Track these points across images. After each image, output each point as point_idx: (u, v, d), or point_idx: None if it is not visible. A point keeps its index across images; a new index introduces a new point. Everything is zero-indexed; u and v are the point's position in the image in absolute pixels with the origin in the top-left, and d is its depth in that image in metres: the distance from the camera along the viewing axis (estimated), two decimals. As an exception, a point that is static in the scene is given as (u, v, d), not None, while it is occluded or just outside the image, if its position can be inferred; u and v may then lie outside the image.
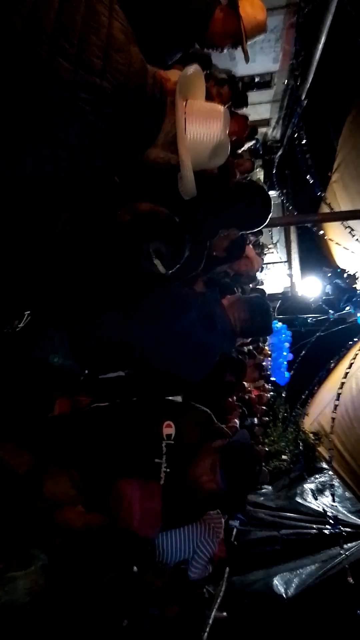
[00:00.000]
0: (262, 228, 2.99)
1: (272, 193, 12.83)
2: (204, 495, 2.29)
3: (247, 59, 2.66)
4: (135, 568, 2.33)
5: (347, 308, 8.69)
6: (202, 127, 1.66)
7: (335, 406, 7.88)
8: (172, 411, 2.44)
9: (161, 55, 2.39)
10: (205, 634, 4.39)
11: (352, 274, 8.89)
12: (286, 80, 8.92)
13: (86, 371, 2.31)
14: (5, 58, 1.29)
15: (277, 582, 6.57)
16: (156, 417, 2.35)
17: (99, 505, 1.94)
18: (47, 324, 2.15)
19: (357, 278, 9.29)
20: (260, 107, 10.15)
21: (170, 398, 2.56)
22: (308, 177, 8.66)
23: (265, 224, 2.80)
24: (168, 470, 2.29)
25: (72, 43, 1.38)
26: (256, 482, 2.87)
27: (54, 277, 1.94)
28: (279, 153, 12.21)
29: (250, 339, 5.83)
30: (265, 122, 11.21)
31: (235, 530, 6.32)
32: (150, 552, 2.59)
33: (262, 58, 8.05)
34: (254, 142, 6.96)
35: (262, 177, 12.56)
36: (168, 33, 2.39)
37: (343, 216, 7.84)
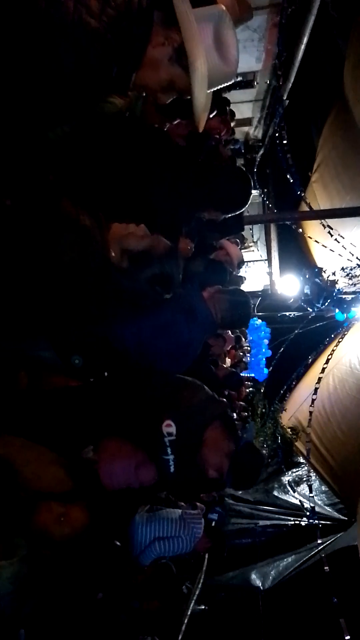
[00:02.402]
0: (242, 210, 2.92)
1: (254, 192, 12.93)
2: (207, 479, 2.36)
3: None
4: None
5: (326, 304, 8.82)
6: (207, 25, 1.53)
7: (313, 400, 8.02)
8: (168, 405, 2.44)
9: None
10: (184, 626, 4.46)
11: (329, 271, 9.02)
12: (268, 80, 8.99)
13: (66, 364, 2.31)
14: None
15: (254, 576, 6.69)
16: (155, 419, 2.37)
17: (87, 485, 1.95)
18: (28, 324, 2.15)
19: (335, 279, 9.46)
20: (243, 106, 10.20)
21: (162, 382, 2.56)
22: (288, 176, 8.75)
23: (245, 206, 2.78)
24: (176, 460, 2.33)
25: None
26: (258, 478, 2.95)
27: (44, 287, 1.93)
28: (261, 152, 12.29)
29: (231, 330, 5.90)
30: (248, 121, 11.27)
31: (213, 523, 6.38)
32: (125, 548, 2.62)
33: (245, 57, 8.09)
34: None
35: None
36: None
37: (322, 215, 7.97)
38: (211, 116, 3.52)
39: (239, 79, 8.90)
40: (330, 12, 6.40)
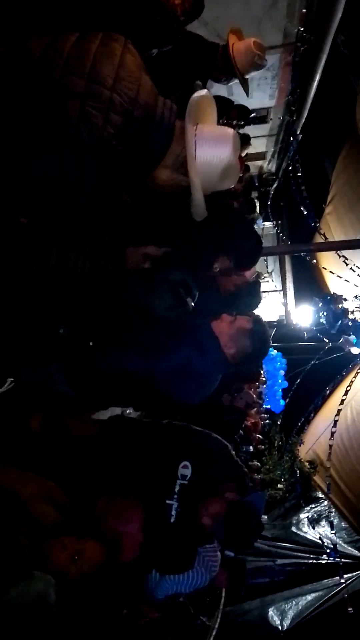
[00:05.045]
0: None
1: (267, 224, 13.07)
2: (200, 530, 2.31)
3: (247, 93, 2.81)
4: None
5: (342, 332, 8.73)
6: (211, 150, 1.71)
7: (332, 433, 7.85)
8: (191, 449, 2.42)
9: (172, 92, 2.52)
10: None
11: (341, 297, 8.97)
12: (282, 116, 9.21)
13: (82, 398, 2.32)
14: (23, 80, 1.43)
15: (272, 613, 6.43)
16: (175, 457, 2.35)
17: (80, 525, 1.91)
18: (43, 356, 2.17)
19: (351, 309, 9.40)
20: (257, 141, 10.42)
21: (192, 427, 2.54)
22: (302, 208, 8.84)
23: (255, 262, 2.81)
24: (179, 510, 2.29)
25: (84, 65, 1.54)
26: (250, 546, 2.88)
27: (53, 308, 1.97)
28: (274, 185, 12.48)
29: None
30: (262, 156, 11.49)
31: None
32: (140, 585, 2.56)
33: (259, 94, 8.32)
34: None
35: (257, 209, 12.80)
36: (180, 77, 2.57)
37: (337, 246, 7.99)
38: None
39: (253, 115, 9.14)
40: (341, 50, 6.60)
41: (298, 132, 8.58)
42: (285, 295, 13.75)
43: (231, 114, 5.74)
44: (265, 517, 8.84)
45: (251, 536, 2.44)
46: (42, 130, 1.48)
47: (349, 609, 5.32)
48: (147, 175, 1.77)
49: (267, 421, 10.98)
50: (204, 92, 1.80)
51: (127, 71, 1.62)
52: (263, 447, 10.45)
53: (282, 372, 11.93)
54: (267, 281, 13.63)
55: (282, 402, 11.84)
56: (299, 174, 8.43)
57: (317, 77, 7.09)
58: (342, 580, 6.08)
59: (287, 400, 11.70)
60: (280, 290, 14.05)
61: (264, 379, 10.86)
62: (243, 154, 6.47)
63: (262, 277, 12.90)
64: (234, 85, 5.76)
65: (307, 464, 10.21)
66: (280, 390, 11.77)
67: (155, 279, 1.93)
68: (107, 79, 1.54)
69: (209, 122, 1.84)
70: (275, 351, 11.97)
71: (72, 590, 1.67)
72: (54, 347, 2.08)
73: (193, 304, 1.98)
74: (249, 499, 2.41)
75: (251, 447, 7.75)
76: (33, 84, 1.47)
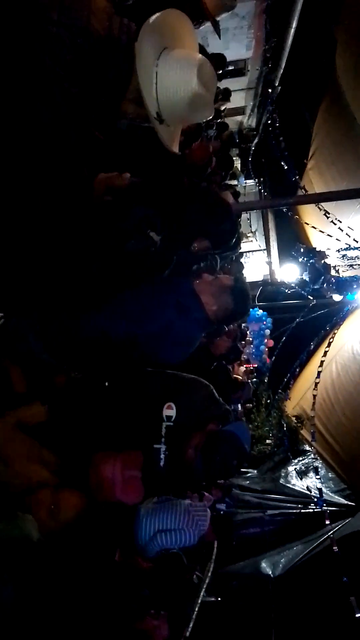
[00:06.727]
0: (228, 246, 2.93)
1: (249, 181, 12.90)
2: (186, 467, 2.35)
3: (218, 35, 2.70)
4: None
5: (324, 286, 8.78)
6: (174, 76, 1.52)
7: (316, 384, 8.01)
8: (174, 390, 2.44)
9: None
10: (194, 614, 4.48)
11: (324, 252, 8.97)
12: (259, 67, 8.95)
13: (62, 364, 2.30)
14: None
15: (265, 564, 6.70)
16: (158, 399, 2.36)
17: (76, 483, 1.94)
18: (20, 323, 2.13)
19: (334, 265, 9.42)
20: (235, 95, 10.11)
21: (169, 371, 2.54)
22: (283, 163, 8.71)
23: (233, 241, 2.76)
24: (167, 453, 2.32)
25: None
26: (232, 473, 2.91)
27: (32, 265, 1.92)
28: (255, 141, 12.24)
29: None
30: (241, 110, 11.23)
31: (221, 513, 6.41)
32: (130, 539, 2.61)
33: (234, 45, 8.06)
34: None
35: (239, 166, 12.58)
36: None
37: (317, 198, 7.94)
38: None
39: (230, 67, 8.86)
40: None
41: (276, 84, 8.35)
42: (269, 254, 13.73)
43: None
44: (255, 471, 9.10)
45: (232, 461, 2.46)
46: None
47: (334, 548, 5.57)
48: (115, 109, 1.60)
49: (255, 380, 11.14)
50: (170, 11, 1.56)
51: None
52: (251, 405, 10.64)
53: (267, 332, 12.03)
54: (251, 240, 13.57)
55: (268, 361, 12.00)
56: (278, 127, 8.25)
57: (294, 25, 6.86)
58: (327, 524, 6.33)
59: (274, 358, 11.85)
60: (264, 250, 14.01)
61: (250, 339, 10.94)
62: (222, 109, 6.27)
63: (246, 237, 12.83)
64: (209, 37, 5.55)
65: (294, 418, 10.43)
66: (266, 348, 11.91)
67: (118, 216, 1.88)
68: (52, 14, 1.37)
69: (185, 46, 1.61)
70: (261, 311, 12.03)
71: (59, 539, 1.72)
72: (32, 298, 2.04)
73: (158, 238, 1.94)
74: (228, 428, 2.45)
75: (239, 406, 7.87)
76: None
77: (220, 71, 5.35)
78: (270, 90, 8.78)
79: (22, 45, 1.35)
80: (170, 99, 1.54)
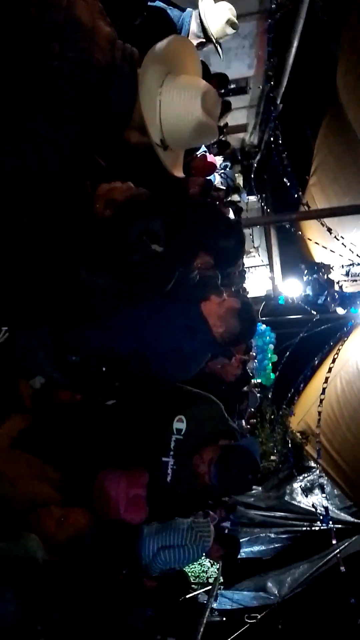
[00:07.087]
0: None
1: (252, 197, 12.99)
2: (199, 484, 2.32)
3: (220, 56, 2.74)
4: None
5: (327, 301, 8.77)
6: (178, 104, 1.51)
7: (321, 401, 7.95)
8: (185, 404, 2.43)
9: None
10: (199, 635, 4.40)
11: (328, 266, 8.98)
12: (261, 85, 9.07)
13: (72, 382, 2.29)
14: None
15: (270, 584, 6.60)
16: (170, 411, 2.36)
17: (80, 500, 1.92)
18: (31, 339, 2.13)
19: (334, 279, 9.42)
20: (237, 113, 10.28)
21: (186, 387, 2.54)
22: (286, 179, 8.77)
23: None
24: (175, 467, 2.30)
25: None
26: (249, 488, 2.89)
27: (39, 282, 1.92)
28: (257, 158, 12.36)
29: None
30: (243, 128, 11.35)
31: (226, 531, 6.32)
32: (135, 558, 2.58)
33: (236, 64, 8.17)
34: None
35: (241, 183, 12.69)
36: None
37: (320, 214, 7.98)
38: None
39: (232, 86, 8.99)
40: (319, 16, 6.46)
41: (278, 102, 8.45)
42: (272, 270, 13.78)
43: (211, 82, 5.58)
44: (260, 488, 9.00)
45: (248, 475, 2.45)
46: None
47: (341, 568, 5.46)
48: (118, 137, 1.58)
49: (259, 395, 11.08)
50: (175, 37, 1.55)
51: (75, 25, 1.36)
52: (255, 420, 10.57)
53: (271, 346, 11.99)
54: (254, 256, 13.63)
55: (272, 376, 11.95)
56: (280, 143, 8.32)
57: (295, 44, 6.97)
58: (334, 542, 6.22)
59: (277, 373, 11.80)
60: (267, 265, 14.07)
61: (254, 354, 10.90)
62: (224, 122, 6.32)
63: (249, 253, 12.90)
64: (211, 56, 5.64)
65: (298, 434, 10.35)
66: (270, 364, 11.86)
67: (119, 230, 1.87)
68: (53, 46, 1.31)
69: (189, 72, 1.59)
70: (264, 326, 12.02)
71: (63, 555, 1.70)
72: (41, 313, 2.03)
73: (161, 249, 1.94)
74: (241, 443, 2.44)
75: (243, 422, 7.81)
76: None
77: (223, 90, 5.42)
78: (272, 108, 8.88)
79: (23, 80, 1.32)
80: (174, 127, 1.54)
